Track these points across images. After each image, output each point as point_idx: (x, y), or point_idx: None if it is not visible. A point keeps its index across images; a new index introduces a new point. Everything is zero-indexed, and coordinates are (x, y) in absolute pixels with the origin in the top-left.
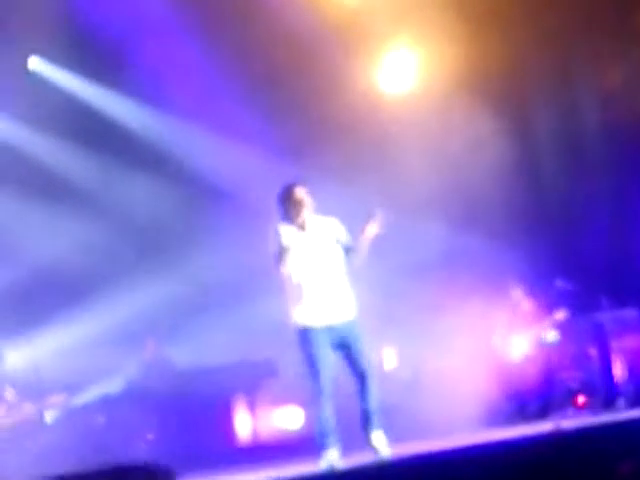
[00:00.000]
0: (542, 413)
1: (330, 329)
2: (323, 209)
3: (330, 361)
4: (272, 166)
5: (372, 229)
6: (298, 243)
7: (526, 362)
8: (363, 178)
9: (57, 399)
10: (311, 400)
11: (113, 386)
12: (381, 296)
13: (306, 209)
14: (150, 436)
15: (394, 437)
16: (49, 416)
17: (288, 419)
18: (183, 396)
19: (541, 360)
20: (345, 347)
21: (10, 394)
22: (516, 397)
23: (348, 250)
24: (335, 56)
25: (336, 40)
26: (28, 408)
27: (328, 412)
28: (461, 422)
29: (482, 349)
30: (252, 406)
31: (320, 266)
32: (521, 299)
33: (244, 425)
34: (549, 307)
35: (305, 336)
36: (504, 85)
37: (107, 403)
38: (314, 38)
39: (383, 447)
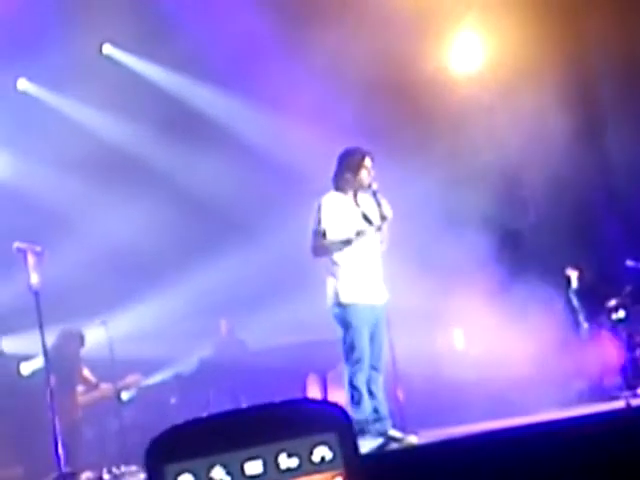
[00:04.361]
0: (611, 392)
1: (372, 308)
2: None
3: (368, 342)
4: (342, 145)
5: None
6: (352, 216)
7: (596, 341)
8: (432, 158)
9: (132, 379)
10: (353, 381)
11: (186, 366)
12: (447, 279)
13: (371, 181)
14: None
15: (467, 415)
16: (125, 395)
17: None
18: (256, 375)
19: (610, 339)
20: (373, 328)
21: (88, 374)
22: (586, 376)
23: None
24: (405, 37)
25: (406, 21)
26: (105, 388)
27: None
28: (532, 400)
29: (550, 329)
30: (324, 385)
31: (368, 243)
32: (587, 279)
33: None
34: (618, 286)
35: (351, 313)
36: (571, 69)
37: (180, 382)
38: (384, 18)
39: (405, 436)
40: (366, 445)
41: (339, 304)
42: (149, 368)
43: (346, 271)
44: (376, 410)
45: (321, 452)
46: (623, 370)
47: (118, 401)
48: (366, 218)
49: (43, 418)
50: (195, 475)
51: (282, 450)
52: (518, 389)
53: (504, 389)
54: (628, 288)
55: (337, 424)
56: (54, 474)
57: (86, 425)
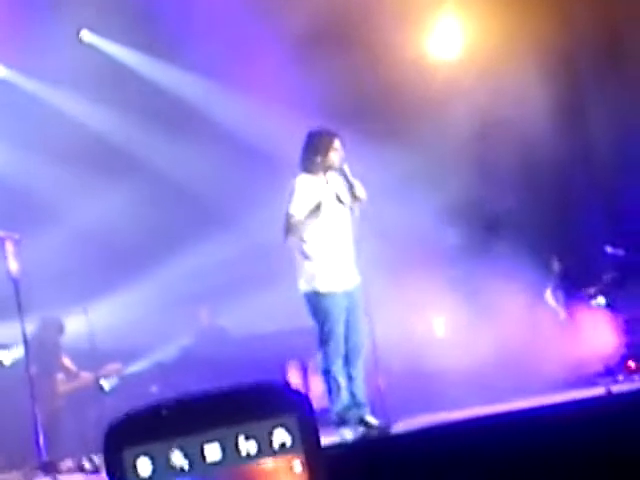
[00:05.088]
0: (592, 379)
1: (348, 294)
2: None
3: (344, 329)
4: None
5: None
6: (324, 199)
7: (576, 328)
8: (411, 142)
9: (112, 367)
10: (330, 371)
11: (167, 354)
12: (425, 265)
13: (342, 162)
14: None
15: (446, 401)
16: (105, 384)
17: None
18: (237, 363)
19: (591, 325)
20: (349, 313)
21: (68, 363)
22: (567, 363)
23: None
24: (384, 23)
25: (385, 7)
26: (85, 376)
27: (346, 382)
28: (513, 387)
29: (530, 316)
30: (305, 373)
31: (340, 226)
32: (568, 266)
33: None
34: (598, 273)
35: (328, 302)
36: (551, 52)
37: (162, 371)
38: (364, 3)
39: (382, 423)
40: (347, 434)
41: (316, 293)
42: (130, 356)
43: (320, 256)
44: (353, 395)
45: (280, 435)
46: (604, 356)
47: (99, 390)
48: (338, 199)
49: (23, 407)
50: (153, 458)
51: (240, 433)
52: (498, 376)
53: (484, 376)
54: (609, 275)
55: (296, 407)
56: (34, 463)
57: (67, 414)
